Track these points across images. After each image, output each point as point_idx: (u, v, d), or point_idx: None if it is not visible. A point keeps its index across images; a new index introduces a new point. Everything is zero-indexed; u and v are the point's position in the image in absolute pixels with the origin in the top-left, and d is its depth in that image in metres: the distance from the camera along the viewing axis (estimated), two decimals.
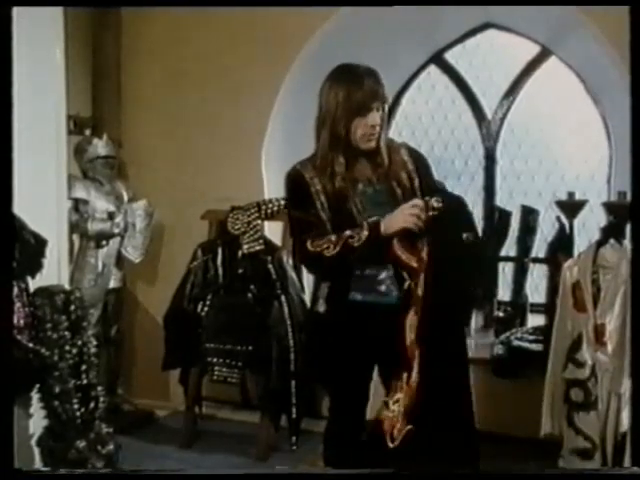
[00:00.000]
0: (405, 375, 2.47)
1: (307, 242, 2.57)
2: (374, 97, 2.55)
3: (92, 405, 2.80)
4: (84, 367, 2.80)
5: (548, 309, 3.93)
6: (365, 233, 2.51)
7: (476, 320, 4.63)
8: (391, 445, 2.44)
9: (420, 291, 2.50)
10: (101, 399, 2.85)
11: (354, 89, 2.54)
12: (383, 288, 2.63)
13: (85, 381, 2.79)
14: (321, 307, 2.69)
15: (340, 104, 2.54)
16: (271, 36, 4.43)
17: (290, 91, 4.52)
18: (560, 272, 3.54)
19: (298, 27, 4.35)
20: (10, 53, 2.02)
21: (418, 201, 2.54)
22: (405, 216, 2.50)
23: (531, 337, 4.21)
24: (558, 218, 4.09)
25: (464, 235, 2.56)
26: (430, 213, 2.50)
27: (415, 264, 2.52)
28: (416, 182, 2.67)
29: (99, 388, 2.86)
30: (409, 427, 2.44)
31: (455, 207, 2.62)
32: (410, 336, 2.48)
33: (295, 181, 2.67)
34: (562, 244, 3.98)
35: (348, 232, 2.53)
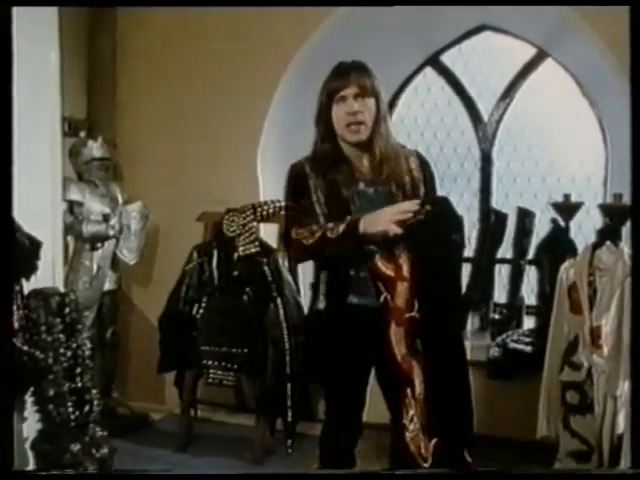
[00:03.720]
0: (409, 390, 2.41)
1: (292, 230, 2.57)
2: (350, 84, 2.58)
3: (87, 408, 2.78)
4: (79, 370, 2.78)
5: (544, 311, 3.92)
6: (342, 227, 2.48)
7: (472, 322, 4.63)
8: (426, 465, 2.36)
9: (400, 302, 2.42)
10: (96, 402, 2.83)
11: (331, 77, 2.62)
12: None
13: (80, 384, 2.77)
14: (321, 304, 2.66)
15: (321, 94, 2.63)
16: (267, 37, 4.43)
17: (286, 93, 4.52)
18: (556, 274, 3.54)
19: (294, 29, 4.35)
20: (10, 53, 2.02)
21: (406, 207, 2.46)
22: (388, 221, 2.43)
23: (527, 339, 4.20)
24: (554, 220, 4.09)
25: (452, 236, 2.51)
26: (414, 219, 2.43)
27: (392, 273, 2.43)
28: (421, 190, 2.66)
29: (94, 391, 2.84)
30: (435, 440, 2.39)
31: (440, 210, 2.53)
32: (400, 350, 2.43)
33: (296, 172, 2.69)
34: (558, 246, 3.97)
35: (330, 224, 2.52)
